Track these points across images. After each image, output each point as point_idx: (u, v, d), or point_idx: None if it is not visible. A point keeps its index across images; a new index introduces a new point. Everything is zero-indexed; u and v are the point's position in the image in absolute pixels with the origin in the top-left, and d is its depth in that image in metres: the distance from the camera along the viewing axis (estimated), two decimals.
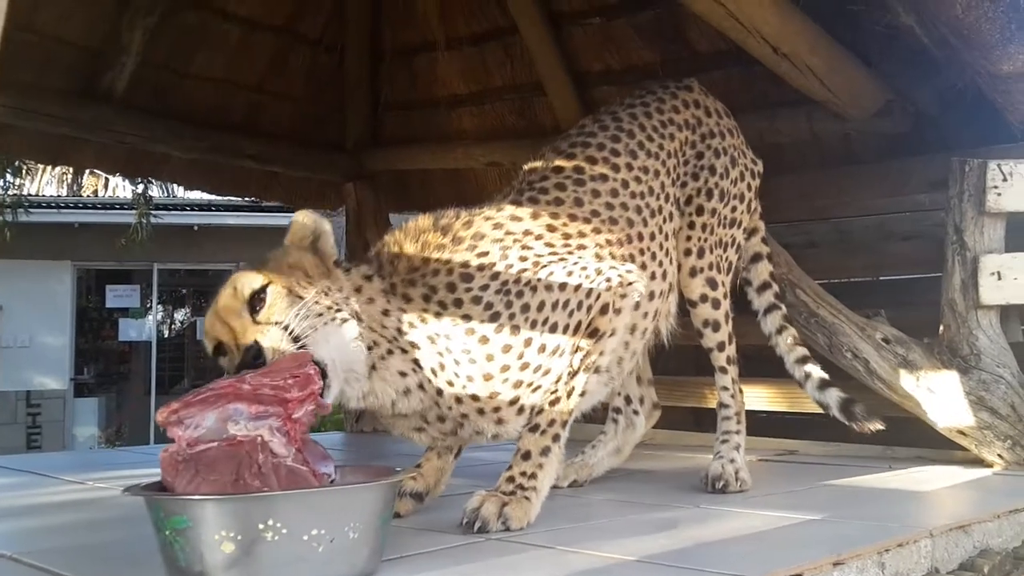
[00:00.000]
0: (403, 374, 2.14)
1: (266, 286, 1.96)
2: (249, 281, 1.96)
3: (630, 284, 2.31)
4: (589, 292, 2.23)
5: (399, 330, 2.13)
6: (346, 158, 5.18)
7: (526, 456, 2.18)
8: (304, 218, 2.11)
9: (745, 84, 3.97)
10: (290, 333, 1.91)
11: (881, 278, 4.18)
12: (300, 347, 1.89)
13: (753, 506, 2.35)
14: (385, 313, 2.13)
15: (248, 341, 1.89)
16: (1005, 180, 3.11)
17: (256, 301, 1.94)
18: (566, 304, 2.20)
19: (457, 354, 2.13)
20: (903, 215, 4.00)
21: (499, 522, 2.03)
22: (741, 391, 2.87)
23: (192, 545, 1.50)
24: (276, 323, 1.92)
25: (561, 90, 4.45)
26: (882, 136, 3.81)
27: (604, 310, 2.25)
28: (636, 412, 3.01)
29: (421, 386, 2.16)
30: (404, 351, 2.13)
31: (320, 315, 1.97)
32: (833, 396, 2.97)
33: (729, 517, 2.21)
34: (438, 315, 2.14)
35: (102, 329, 14.54)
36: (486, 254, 2.22)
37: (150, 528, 2.22)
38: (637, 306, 2.49)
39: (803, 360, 3.05)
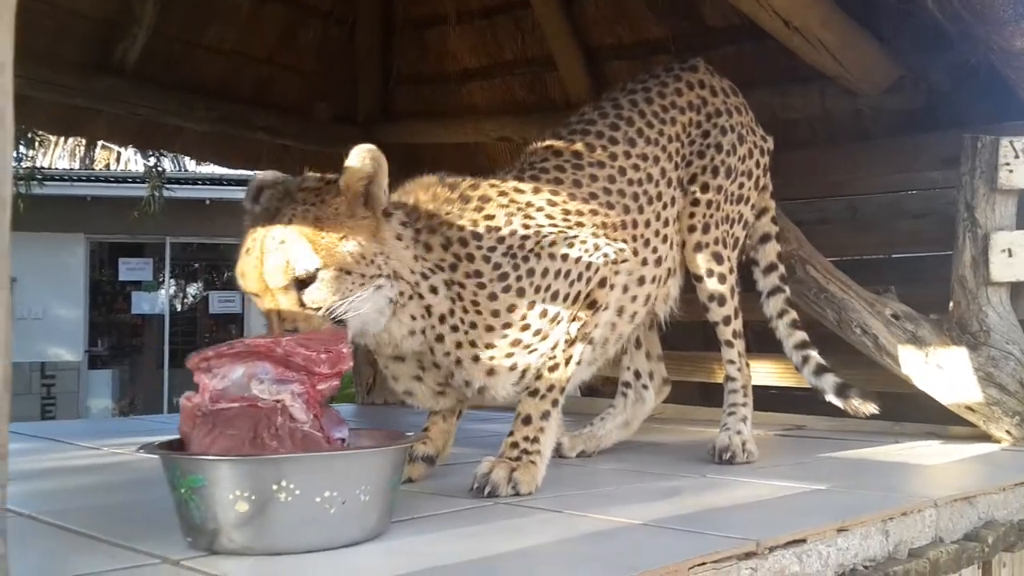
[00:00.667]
0: (413, 318, 2.18)
1: (317, 272, 1.93)
2: (304, 260, 1.91)
3: (624, 261, 2.38)
4: (589, 264, 2.28)
5: (423, 274, 2.16)
6: (357, 131, 5.18)
7: (527, 421, 2.22)
8: (363, 152, 2.05)
9: (758, 59, 3.95)
10: (331, 315, 1.95)
11: (892, 255, 4.18)
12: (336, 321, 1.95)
13: (759, 476, 2.37)
14: (415, 259, 2.15)
15: (290, 325, 1.91)
16: (1017, 157, 3.10)
17: (302, 284, 1.93)
18: (567, 274, 2.25)
19: (467, 303, 2.19)
20: (915, 192, 4.00)
21: (509, 487, 2.07)
22: (748, 364, 2.89)
23: (207, 503, 1.53)
24: (318, 308, 1.94)
25: (572, 64, 4.44)
26: (894, 112, 3.79)
27: (602, 283, 2.31)
28: (645, 387, 3.03)
29: (424, 332, 2.20)
30: (421, 296, 2.16)
31: (363, 285, 1.99)
32: (829, 381, 2.99)
33: (735, 486, 2.23)
34: (453, 266, 2.19)
35: (115, 302, 14.63)
36: (492, 217, 2.25)
37: (165, 490, 2.27)
38: (625, 289, 2.52)
39: (802, 345, 3.07)
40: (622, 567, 1.37)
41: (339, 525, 1.56)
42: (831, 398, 2.98)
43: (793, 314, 3.11)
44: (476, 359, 2.23)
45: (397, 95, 5.28)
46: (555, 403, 2.26)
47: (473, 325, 2.19)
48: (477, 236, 2.22)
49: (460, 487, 2.13)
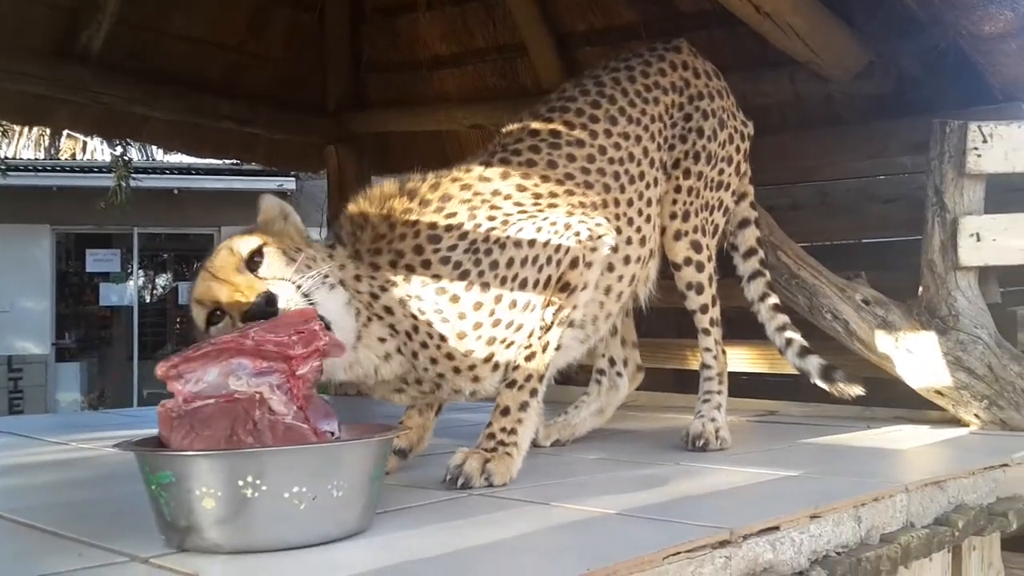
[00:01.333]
0: (382, 340, 2.16)
1: (262, 247, 1.96)
2: (245, 242, 1.97)
3: (600, 237, 2.32)
4: (558, 247, 2.24)
5: (372, 295, 2.14)
6: (327, 120, 5.14)
7: (505, 412, 2.20)
8: (271, 199, 2.14)
9: (729, 45, 3.95)
10: (299, 289, 1.92)
11: (862, 240, 4.20)
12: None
13: (732, 463, 2.38)
14: (357, 278, 2.13)
15: (260, 290, 1.87)
16: (985, 142, 3.13)
17: (253, 261, 1.95)
18: (535, 260, 2.22)
19: (430, 314, 2.15)
20: (885, 178, 4.03)
21: (482, 478, 2.05)
22: (724, 352, 2.89)
23: (176, 500, 1.50)
24: (282, 279, 1.92)
25: (544, 51, 4.42)
26: (865, 98, 3.81)
27: (574, 264, 2.26)
28: (619, 374, 3.03)
29: (399, 350, 2.18)
30: (380, 317, 2.15)
31: (311, 278, 1.97)
32: (813, 363, 2.99)
33: (709, 474, 2.23)
34: (406, 279, 2.15)
35: (83, 294, 14.47)
36: (454, 215, 2.22)
37: (134, 486, 2.23)
38: (612, 268, 2.50)
39: (784, 327, 3.07)
40: (597, 557, 1.36)
41: (311, 521, 1.52)
42: (816, 380, 2.99)
43: (775, 297, 3.12)
44: (457, 371, 2.20)
45: (367, 83, 5.24)
46: (533, 392, 2.23)
47: (443, 337, 2.15)
48: (435, 239, 2.18)
49: (434, 479, 2.11)
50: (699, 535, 1.50)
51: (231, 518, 1.48)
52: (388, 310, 2.14)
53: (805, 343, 3.05)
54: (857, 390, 2.91)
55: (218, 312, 1.93)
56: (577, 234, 2.27)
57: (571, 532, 1.62)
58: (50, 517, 1.82)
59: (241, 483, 1.47)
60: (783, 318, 3.09)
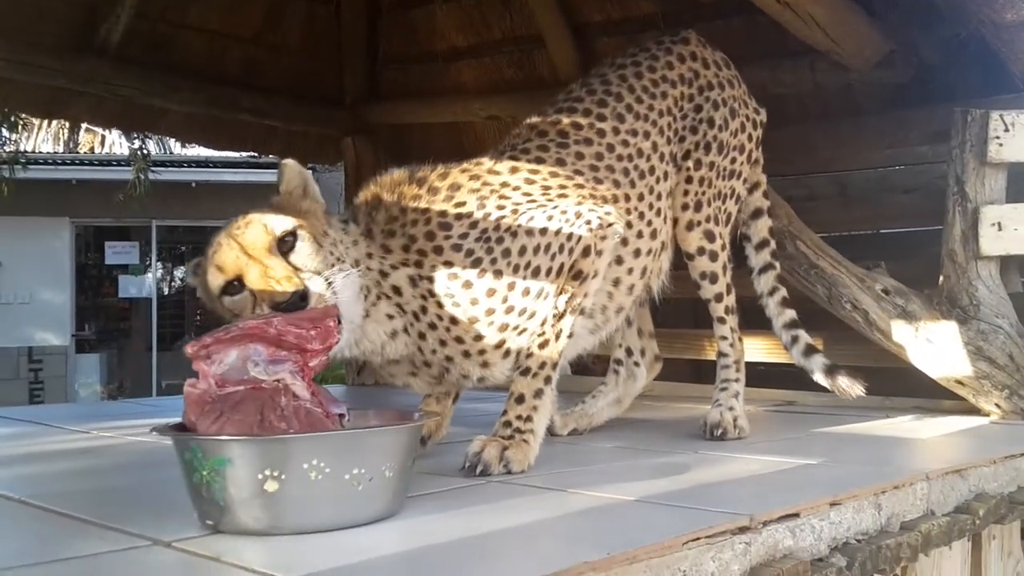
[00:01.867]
0: (390, 316, 2.17)
1: (296, 230, 1.96)
2: (280, 222, 1.95)
3: (610, 225, 2.33)
4: (570, 235, 2.25)
5: (382, 272, 2.15)
6: (344, 112, 5.15)
7: (520, 400, 2.20)
8: (291, 166, 2.11)
9: (748, 35, 3.93)
10: (330, 286, 1.93)
11: (881, 231, 4.18)
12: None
13: (751, 452, 2.37)
14: (369, 256, 2.15)
15: (297, 285, 1.87)
16: (1007, 130, 3.10)
17: (285, 244, 1.94)
18: (548, 248, 2.22)
19: (441, 297, 2.16)
20: (904, 168, 4.00)
21: (501, 465, 2.06)
22: (740, 339, 2.88)
23: (234, 484, 1.51)
24: (315, 271, 1.93)
25: (560, 42, 4.42)
26: (884, 87, 3.78)
27: (586, 252, 2.27)
28: (637, 364, 3.03)
29: (406, 329, 2.19)
30: (388, 296, 2.17)
31: (334, 265, 1.99)
32: (818, 362, 2.98)
33: (727, 462, 2.23)
34: (418, 263, 2.16)
35: (102, 286, 14.57)
36: (463, 204, 2.23)
37: (153, 473, 2.27)
38: (620, 261, 2.51)
39: (792, 324, 3.06)
40: (618, 543, 1.36)
41: (365, 502, 1.57)
42: (819, 378, 2.98)
43: (783, 292, 3.10)
44: (467, 355, 2.21)
45: (384, 75, 5.25)
46: (547, 380, 2.23)
47: (454, 320, 2.17)
48: (446, 227, 2.19)
49: (452, 466, 2.12)
50: (719, 521, 1.50)
51: (291, 500, 1.51)
52: (396, 290, 2.16)
53: (811, 341, 3.04)
54: (859, 390, 2.90)
55: (236, 283, 1.93)
56: (588, 222, 2.28)
57: (590, 518, 1.62)
58: (72, 503, 1.84)
59: (306, 466, 1.50)
60: (791, 314, 3.08)
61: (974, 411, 3.19)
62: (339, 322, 1.84)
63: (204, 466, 1.54)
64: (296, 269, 1.92)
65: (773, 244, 3.14)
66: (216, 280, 1.95)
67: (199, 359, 1.65)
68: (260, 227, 1.94)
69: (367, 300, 2.12)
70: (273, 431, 1.61)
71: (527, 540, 1.49)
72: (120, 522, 1.64)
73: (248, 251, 1.92)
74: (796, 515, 1.63)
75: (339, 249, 2.05)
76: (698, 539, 1.43)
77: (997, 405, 3.12)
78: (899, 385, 3.54)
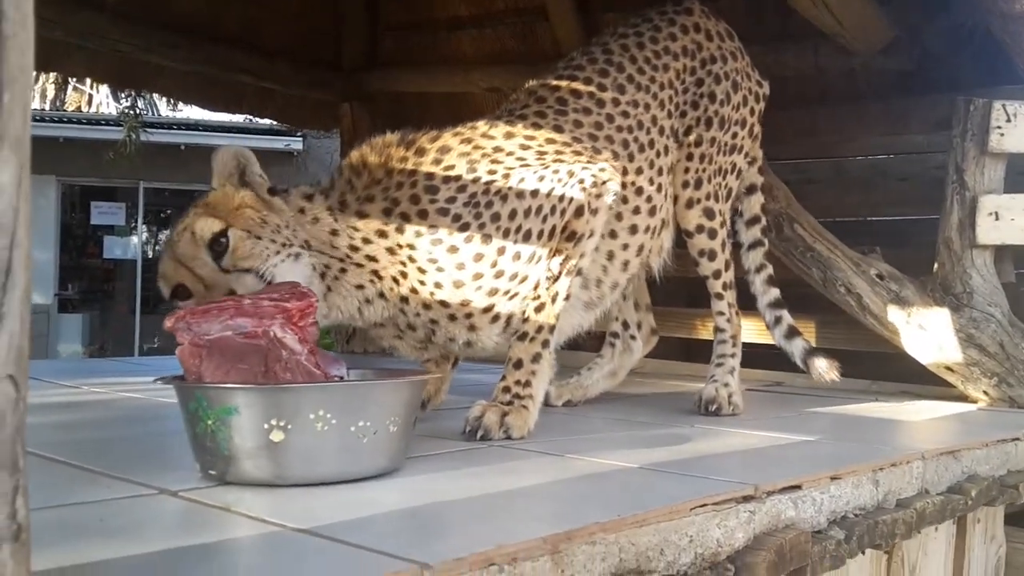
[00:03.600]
0: (360, 287, 2.15)
1: (226, 230, 1.95)
2: (208, 225, 1.95)
3: (604, 183, 2.30)
4: (562, 196, 2.22)
5: (352, 247, 2.12)
6: (343, 78, 5.11)
7: (518, 365, 2.20)
8: (224, 154, 2.07)
9: (751, 15, 3.93)
10: (262, 277, 1.94)
11: (876, 218, 4.21)
12: None
13: (747, 427, 2.39)
14: (334, 233, 2.12)
15: (223, 290, 1.90)
16: (1009, 121, 3.12)
17: (217, 246, 1.94)
18: (539, 210, 2.20)
19: (422, 263, 2.13)
20: (901, 156, 4.02)
21: (501, 431, 2.06)
22: (738, 315, 2.89)
23: (240, 433, 1.51)
24: (246, 269, 1.94)
25: (564, 14, 4.40)
26: (886, 73, 3.80)
27: (579, 212, 2.24)
28: (633, 337, 3.03)
29: (382, 295, 2.17)
30: (359, 265, 2.14)
31: (278, 253, 1.99)
32: (798, 345, 3.00)
33: (725, 435, 2.25)
34: (399, 229, 2.13)
35: (86, 246, 14.46)
36: (452, 167, 2.19)
37: (151, 426, 2.27)
38: (615, 235, 2.48)
39: (776, 304, 3.07)
40: (625, 505, 1.37)
41: (370, 455, 1.58)
42: (798, 362, 3.01)
43: (770, 269, 3.10)
44: (453, 318, 2.20)
45: (384, 42, 5.21)
46: (545, 344, 2.23)
47: (438, 285, 2.14)
48: (432, 190, 2.15)
49: (451, 431, 2.12)
50: (724, 489, 1.52)
51: (296, 450, 1.51)
52: (371, 258, 2.13)
53: (793, 323, 3.05)
54: (834, 375, 2.92)
55: (181, 289, 1.96)
56: (581, 181, 2.24)
57: (594, 482, 1.63)
58: (72, 452, 1.84)
59: (313, 416, 1.50)
60: (776, 293, 3.08)
61: (961, 397, 3.23)
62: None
63: (209, 415, 1.54)
64: (226, 271, 1.93)
65: (764, 221, 3.13)
66: (163, 288, 2.00)
67: (179, 331, 1.65)
68: (189, 235, 1.95)
69: (325, 278, 2.10)
70: (278, 381, 1.61)
71: (535, 501, 1.50)
72: (123, 471, 1.64)
73: (182, 261, 1.95)
74: (799, 487, 1.65)
75: (283, 234, 2.02)
76: (705, 505, 1.44)
77: (985, 392, 3.16)
78: (887, 370, 3.58)
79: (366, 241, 2.13)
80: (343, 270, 2.12)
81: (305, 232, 2.08)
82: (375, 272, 2.14)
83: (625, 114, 2.57)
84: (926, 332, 3.22)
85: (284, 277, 1.95)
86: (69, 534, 1.24)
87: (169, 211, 15.30)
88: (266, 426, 1.50)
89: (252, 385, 1.57)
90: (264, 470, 1.52)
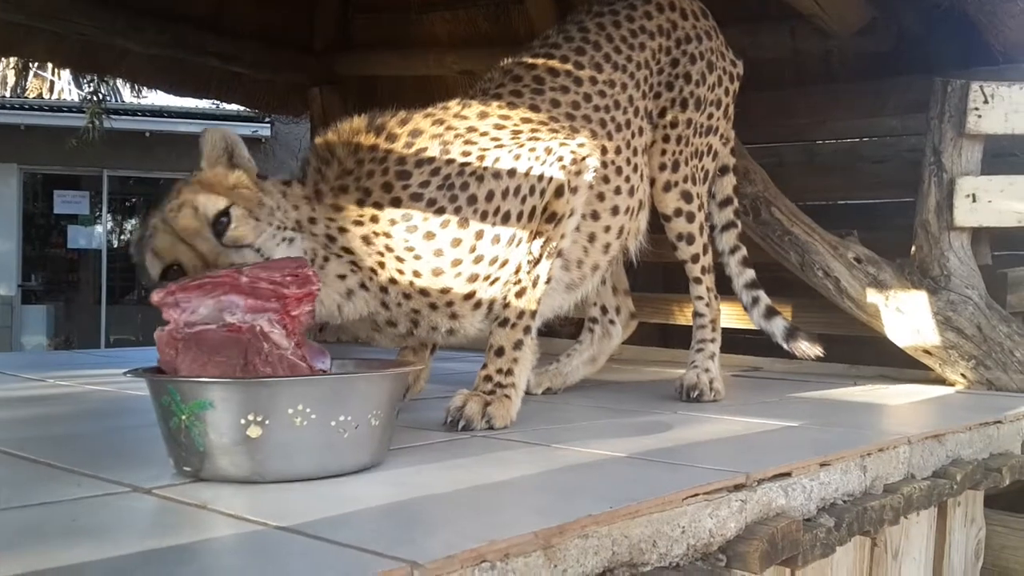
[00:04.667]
0: (342, 276, 2.09)
1: (229, 208, 1.87)
2: (212, 202, 1.87)
3: (583, 159, 2.25)
4: (540, 176, 2.16)
5: (329, 236, 2.06)
6: (313, 61, 5.02)
7: (500, 352, 2.15)
8: (214, 133, 1.99)
9: None
10: (262, 255, 1.87)
11: (850, 201, 4.20)
12: None
13: (730, 413, 2.37)
14: (312, 221, 2.06)
15: (224, 266, 1.80)
16: (986, 102, 3.11)
17: (220, 224, 1.86)
18: (517, 190, 2.14)
19: (400, 251, 2.07)
20: (875, 139, 4.01)
21: (483, 421, 2.02)
22: (717, 299, 2.86)
23: (214, 428, 1.46)
24: (247, 246, 1.86)
25: None
26: (862, 55, 3.79)
27: (559, 191, 2.19)
28: (612, 322, 3.00)
29: (363, 285, 2.11)
30: (339, 256, 2.08)
31: (274, 236, 1.92)
32: (778, 324, 2.99)
33: (709, 422, 2.22)
34: (374, 218, 2.06)
35: (50, 236, 14.19)
36: (424, 150, 2.12)
37: (119, 420, 2.20)
38: (596, 216, 2.44)
39: (752, 285, 3.04)
40: (617, 498, 1.34)
41: (351, 451, 1.53)
42: (780, 341, 2.98)
43: (744, 251, 3.07)
44: (434, 306, 2.14)
45: (356, 23, 5.13)
46: (527, 330, 2.18)
47: (416, 273, 2.09)
48: (404, 175, 2.08)
49: (434, 421, 2.08)
50: (715, 478, 1.49)
51: (273, 446, 1.45)
52: (347, 250, 2.07)
53: (770, 303, 3.03)
54: (817, 351, 2.91)
55: (175, 268, 1.87)
56: (560, 159, 2.19)
57: (583, 473, 1.60)
58: (39, 449, 1.77)
59: (291, 411, 1.45)
60: (751, 274, 3.05)
61: (938, 381, 3.24)
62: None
63: (183, 410, 1.48)
64: (229, 248, 1.86)
65: (736, 202, 3.09)
66: (155, 267, 1.89)
67: (167, 306, 1.59)
68: (191, 211, 1.86)
69: (313, 264, 2.04)
70: (257, 375, 1.55)
71: (523, 493, 1.46)
72: (94, 468, 1.58)
73: (183, 237, 1.85)
74: (788, 474, 1.62)
75: (278, 216, 1.96)
76: (696, 495, 1.41)
77: (963, 375, 3.16)
78: (865, 353, 3.58)
79: (342, 231, 2.06)
80: (326, 258, 2.07)
81: (294, 214, 2.02)
82: (354, 263, 2.08)
83: (602, 93, 2.52)
84: (904, 315, 3.21)
85: (281, 255, 1.89)
86: (36, 536, 1.18)
87: (134, 199, 15.06)
88: (243, 421, 1.44)
89: (228, 379, 1.51)
90: (241, 467, 1.47)
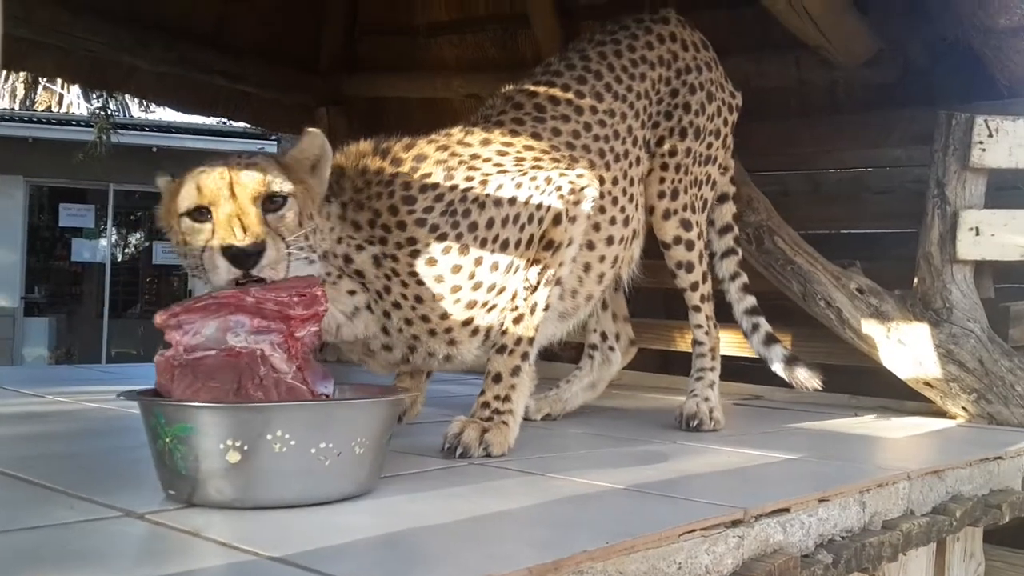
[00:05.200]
0: (352, 292, 2.09)
1: (289, 196, 1.83)
2: (279, 180, 1.81)
3: (582, 189, 2.25)
4: (539, 204, 2.17)
5: (347, 257, 2.07)
6: (319, 81, 5.04)
7: (497, 379, 2.14)
8: (317, 137, 1.94)
9: (733, 26, 3.92)
10: (288, 254, 1.80)
11: (853, 231, 4.20)
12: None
13: (730, 444, 2.36)
14: (339, 241, 2.06)
15: (259, 235, 1.73)
16: (991, 136, 3.11)
17: (272, 203, 1.81)
18: (516, 218, 2.14)
19: (404, 276, 2.07)
20: (878, 169, 4.01)
21: (480, 448, 2.01)
22: (716, 327, 2.85)
23: (195, 453, 1.45)
24: (282, 238, 1.80)
25: (546, 22, 4.36)
26: (868, 87, 3.80)
27: (557, 220, 2.19)
28: (612, 348, 2.99)
29: (369, 307, 2.11)
30: (351, 276, 2.09)
31: (301, 249, 1.86)
32: (777, 352, 2.97)
33: (708, 453, 2.21)
34: (383, 240, 2.07)
35: (54, 249, 14.23)
36: (428, 175, 2.13)
37: (117, 440, 2.19)
38: (592, 246, 2.44)
39: (752, 311, 3.04)
40: (614, 532, 1.32)
41: (333, 478, 1.50)
42: (777, 369, 2.97)
43: (744, 278, 3.06)
44: (433, 333, 2.14)
45: (363, 45, 5.15)
46: (525, 356, 2.17)
47: (419, 299, 2.09)
48: (409, 200, 2.08)
49: (430, 447, 2.07)
50: (712, 513, 1.47)
51: (254, 472, 1.45)
52: (359, 273, 2.08)
53: (771, 330, 3.02)
54: (816, 383, 2.89)
55: (205, 211, 1.78)
56: (559, 188, 2.20)
57: (581, 505, 1.58)
58: (34, 469, 1.76)
59: (270, 437, 1.44)
60: (752, 300, 3.05)
61: (939, 413, 3.22)
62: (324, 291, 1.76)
63: (167, 433, 1.48)
64: (265, 229, 1.78)
65: (736, 230, 3.09)
66: (189, 198, 1.79)
67: (170, 328, 1.59)
68: (259, 175, 1.80)
69: (327, 280, 2.03)
70: (249, 400, 1.55)
71: (519, 525, 1.45)
72: (87, 491, 1.57)
73: (235, 189, 1.77)
74: (787, 510, 1.61)
75: (314, 238, 1.92)
76: (693, 531, 1.40)
77: (964, 408, 3.15)
78: (865, 384, 3.56)
79: (360, 248, 2.07)
80: (340, 276, 2.07)
81: (324, 242, 2.00)
82: (363, 284, 2.09)
83: (602, 123, 2.53)
84: (905, 347, 3.20)
85: (293, 271, 1.82)
86: (25, 560, 1.17)
87: (139, 213, 15.10)
88: (222, 446, 1.44)
89: (210, 403, 1.50)
90: (224, 492, 1.46)
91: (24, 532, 1.31)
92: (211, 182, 1.78)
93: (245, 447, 1.43)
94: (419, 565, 1.18)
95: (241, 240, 1.72)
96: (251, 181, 1.79)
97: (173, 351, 1.56)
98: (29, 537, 1.29)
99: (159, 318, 1.60)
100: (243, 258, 1.72)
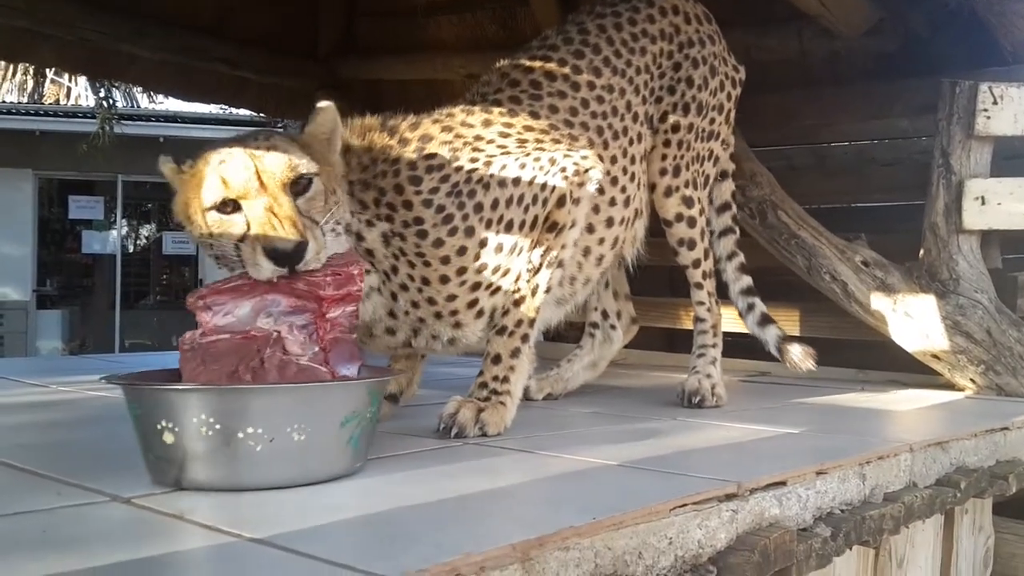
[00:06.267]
0: (365, 271, 2.04)
1: (315, 177, 1.78)
2: (304, 162, 1.75)
3: (587, 171, 2.22)
4: (544, 185, 2.14)
5: (359, 235, 2.04)
6: (318, 65, 5.01)
7: (496, 360, 2.13)
8: (330, 111, 1.90)
9: None
10: (324, 241, 1.77)
11: (860, 204, 4.15)
12: None
13: (730, 419, 2.34)
14: (352, 215, 2.02)
15: (300, 232, 1.68)
16: (995, 103, 3.06)
17: (298, 185, 1.75)
18: (520, 199, 2.12)
19: (411, 256, 2.05)
20: (884, 141, 3.96)
21: (476, 428, 1.99)
22: (718, 304, 2.83)
23: (141, 433, 1.52)
24: (316, 223, 1.76)
25: (545, 0, 4.30)
26: (869, 57, 3.74)
27: (561, 202, 2.16)
28: (613, 327, 2.97)
29: (379, 289, 2.09)
30: (362, 256, 2.05)
31: (326, 223, 1.82)
32: (772, 333, 2.94)
33: (707, 429, 2.19)
34: (389, 218, 2.04)
35: (65, 241, 14.29)
36: (434, 156, 2.10)
37: (114, 427, 2.18)
38: (592, 229, 2.41)
39: (748, 291, 3.01)
40: (602, 508, 1.30)
41: (269, 464, 1.46)
42: (772, 350, 2.94)
43: (741, 257, 3.03)
44: (439, 316, 2.12)
45: (361, 27, 5.11)
46: (525, 338, 2.15)
47: (426, 280, 2.06)
48: (416, 180, 2.05)
49: (426, 428, 2.05)
50: (705, 488, 1.45)
51: (188, 454, 1.46)
52: (370, 252, 2.05)
53: (766, 310, 2.98)
54: (810, 364, 2.84)
55: (234, 204, 1.72)
56: (563, 169, 2.17)
57: (571, 482, 1.57)
58: (28, 456, 1.75)
59: (196, 420, 1.44)
60: (748, 280, 3.02)
61: (948, 386, 3.19)
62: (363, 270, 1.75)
63: (132, 413, 1.54)
64: (303, 219, 1.74)
65: (734, 208, 3.06)
66: (214, 192, 1.72)
67: (198, 310, 1.61)
68: (284, 159, 1.73)
69: None
70: (238, 383, 1.55)
71: (508, 503, 1.43)
72: (78, 477, 1.56)
73: (263, 177, 1.71)
74: (783, 483, 1.59)
75: (338, 212, 1.87)
76: (685, 505, 1.38)
77: (972, 380, 3.11)
78: (873, 358, 3.53)
79: (370, 224, 2.04)
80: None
81: (344, 213, 1.93)
82: (372, 263, 2.06)
83: (600, 99, 2.48)
84: (912, 319, 3.16)
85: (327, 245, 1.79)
86: (6, 547, 1.16)
87: (149, 204, 15.13)
88: (159, 427, 1.47)
89: (153, 385, 1.54)
90: (167, 472, 1.50)
91: (7, 518, 1.30)
92: (236, 173, 1.71)
93: (176, 429, 1.45)
94: (399, 544, 1.16)
95: (284, 241, 1.67)
96: (277, 167, 1.73)
97: (191, 334, 1.57)
98: (11, 523, 1.28)
99: (189, 300, 1.63)
100: (286, 257, 1.67)
